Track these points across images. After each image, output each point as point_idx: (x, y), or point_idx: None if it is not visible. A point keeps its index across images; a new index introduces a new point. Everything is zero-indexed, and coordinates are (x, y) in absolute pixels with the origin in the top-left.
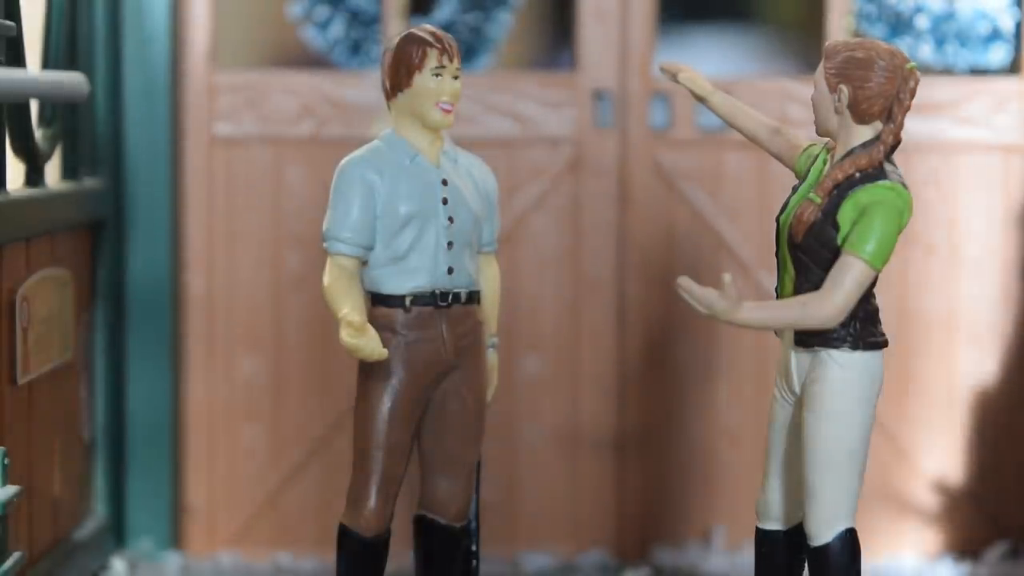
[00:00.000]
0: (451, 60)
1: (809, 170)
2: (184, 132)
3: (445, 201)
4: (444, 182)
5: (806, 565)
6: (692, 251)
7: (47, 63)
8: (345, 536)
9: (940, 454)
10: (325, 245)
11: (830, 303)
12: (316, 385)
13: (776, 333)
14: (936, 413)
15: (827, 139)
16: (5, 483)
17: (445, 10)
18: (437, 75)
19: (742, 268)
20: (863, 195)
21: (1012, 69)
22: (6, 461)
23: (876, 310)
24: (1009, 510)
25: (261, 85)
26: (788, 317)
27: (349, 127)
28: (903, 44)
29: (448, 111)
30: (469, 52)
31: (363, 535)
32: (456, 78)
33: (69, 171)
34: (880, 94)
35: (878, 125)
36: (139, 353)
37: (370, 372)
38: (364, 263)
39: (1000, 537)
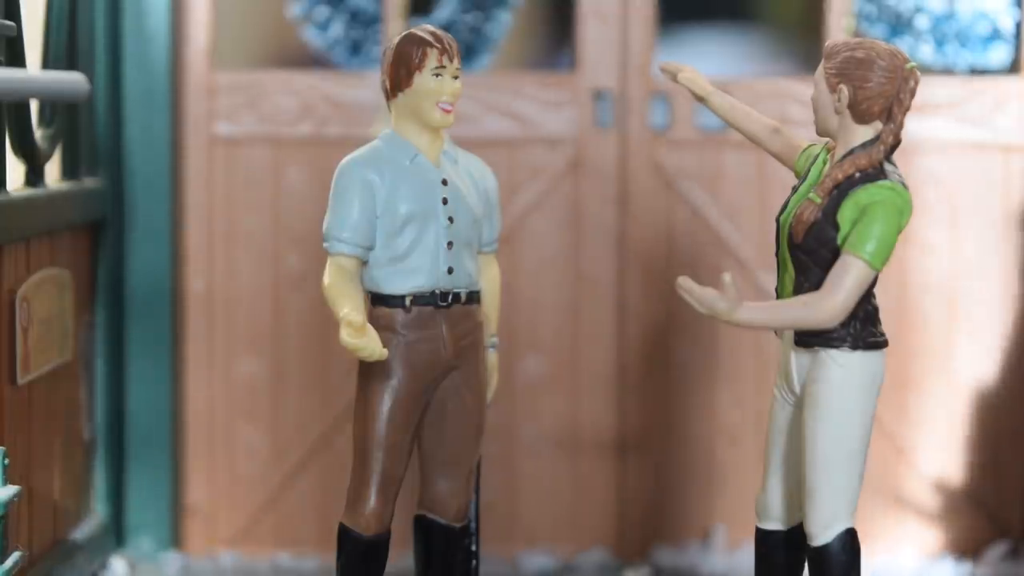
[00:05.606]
0: (451, 60)
1: (809, 170)
2: (184, 132)
3: (445, 201)
4: (444, 182)
5: (806, 565)
6: (692, 251)
7: (47, 63)
8: (345, 536)
9: (940, 454)
10: (325, 245)
11: (830, 303)
12: (316, 385)
13: (776, 333)
14: (936, 413)
15: (827, 139)
16: (5, 483)
17: (445, 10)
18: (437, 75)
19: (742, 268)
20: (863, 195)
21: (1012, 69)
22: (6, 461)
23: (876, 310)
24: (1009, 510)
25: (261, 85)
26: (788, 317)
27: (349, 127)
28: (903, 44)
29: (448, 111)
30: (469, 52)
31: (363, 535)
32: (456, 78)
33: (69, 171)
34: (880, 94)
35: (878, 125)
36: (139, 353)
37: (370, 372)
38: (364, 263)
39: (1000, 537)
